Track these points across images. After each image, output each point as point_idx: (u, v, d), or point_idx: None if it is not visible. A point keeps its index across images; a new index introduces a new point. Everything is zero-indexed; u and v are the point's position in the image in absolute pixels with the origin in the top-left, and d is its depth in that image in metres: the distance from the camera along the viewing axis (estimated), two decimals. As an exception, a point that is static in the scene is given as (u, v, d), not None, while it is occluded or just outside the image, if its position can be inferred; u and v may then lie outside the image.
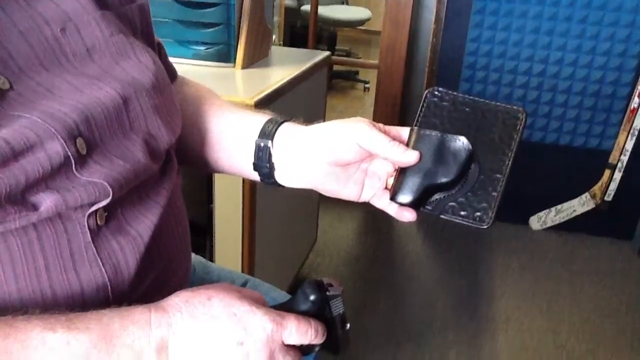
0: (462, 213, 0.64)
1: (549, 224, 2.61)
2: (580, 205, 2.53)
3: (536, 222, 2.64)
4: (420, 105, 0.68)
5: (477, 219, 0.63)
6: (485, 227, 0.63)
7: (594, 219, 2.52)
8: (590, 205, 2.50)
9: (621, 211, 2.49)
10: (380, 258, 2.36)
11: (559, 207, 2.58)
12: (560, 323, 2.02)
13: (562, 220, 2.59)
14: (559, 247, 2.52)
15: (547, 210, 2.61)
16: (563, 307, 2.12)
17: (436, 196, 0.64)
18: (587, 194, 2.51)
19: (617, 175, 2.41)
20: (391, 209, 0.67)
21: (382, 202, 0.68)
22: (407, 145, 0.65)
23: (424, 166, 0.63)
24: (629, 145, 2.35)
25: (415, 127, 0.66)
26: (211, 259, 1.45)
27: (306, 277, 1.73)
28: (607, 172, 2.43)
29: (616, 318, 2.07)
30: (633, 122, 2.31)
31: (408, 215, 0.65)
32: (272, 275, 1.67)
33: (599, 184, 2.46)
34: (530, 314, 2.06)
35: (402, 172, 0.65)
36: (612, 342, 1.94)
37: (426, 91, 0.68)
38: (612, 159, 2.41)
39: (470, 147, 0.63)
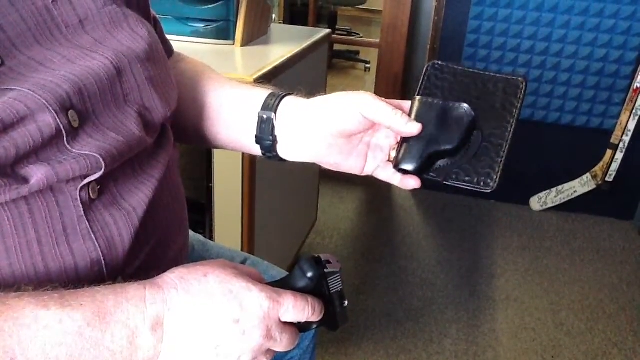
0: (467, 178, 0.64)
1: (550, 204, 2.61)
2: (581, 186, 2.52)
3: (536, 202, 2.63)
4: (421, 77, 0.68)
5: (482, 183, 0.63)
6: (490, 190, 0.63)
7: (595, 199, 2.52)
8: (592, 185, 2.49)
9: (622, 191, 2.49)
10: (381, 237, 2.36)
11: (559, 187, 2.57)
12: (560, 301, 2.03)
13: (563, 201, 2.58)
14: (560, 227, 2.52)
15: (547, 191, 2.60)
16: (563, 285, 2.12)
17: (440, 163, 0.65)
18: (588, 175, 2.50)
19: (619, 156, 2.39)
20: (395, 178, 0.67)
21: (386, 173, 0.68)
22: (410, 112, 0.65)
23: (427, 133, 0.63)
24: (631, 125, 2.34)
25: (418, 96, 0.66)
26: (211, 237, 1.44)
27: (306, 256, 1.73)
28: (608, 152, 2.41)
29: (616, 296, 2.07)
30: (636, 101, 2.29)
31: (412, 183, 0.65)
32: (272, 255, 1.66)
33: (601, 164, 2.44)
34: (530, 292, 2.07)
35: (405, 141, 0.65)
36: (612, 320, 1.95)
37: (427, 64, 0.68)
38: (613, 139, 2.39)
39: (473, 113, 0.64)
